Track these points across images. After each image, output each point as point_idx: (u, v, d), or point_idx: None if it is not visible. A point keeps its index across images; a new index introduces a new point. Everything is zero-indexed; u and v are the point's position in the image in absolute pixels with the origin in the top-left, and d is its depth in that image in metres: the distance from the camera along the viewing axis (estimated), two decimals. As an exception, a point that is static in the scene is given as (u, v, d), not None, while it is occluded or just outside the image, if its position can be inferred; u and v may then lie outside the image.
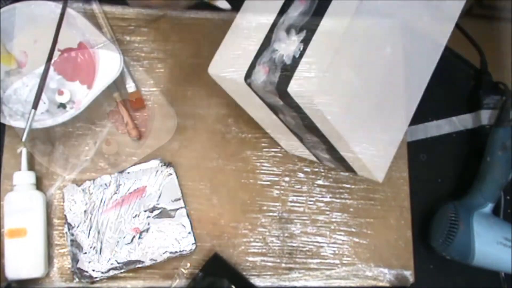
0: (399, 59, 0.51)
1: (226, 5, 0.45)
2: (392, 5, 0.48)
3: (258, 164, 0.68)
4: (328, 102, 0.45)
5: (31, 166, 0.63)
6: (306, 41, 0.46)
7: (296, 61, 0.46)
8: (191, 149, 0.67)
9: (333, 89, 0.45)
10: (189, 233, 0.63)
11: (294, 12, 0.49)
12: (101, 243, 0.62)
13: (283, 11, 0.50)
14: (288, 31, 0.48)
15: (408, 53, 0.52)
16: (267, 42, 0.50)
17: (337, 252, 0.67)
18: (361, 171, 0.58)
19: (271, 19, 0.50)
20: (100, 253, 0.61)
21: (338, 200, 0.68)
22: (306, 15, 0.47)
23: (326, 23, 0.46)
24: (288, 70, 0.46)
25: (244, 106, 0.60)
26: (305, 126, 0.53)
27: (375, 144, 0.53)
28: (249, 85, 0.50)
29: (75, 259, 0.61)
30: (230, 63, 0.52)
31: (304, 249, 0.66)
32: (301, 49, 0.46)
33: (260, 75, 0.48)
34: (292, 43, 0.47)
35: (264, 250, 0.65)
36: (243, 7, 0.55)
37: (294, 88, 0.45)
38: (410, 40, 0.52)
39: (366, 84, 0.49)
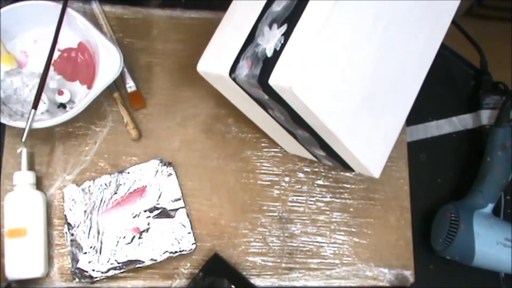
0: (388, 50, 0.51)
1: None
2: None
3: (258, 164, 0.68)
4: (311, 94, 0.46)
5: (31, 166, 0.63)
6: (287, 34, 0.47)
7: (277, 53, 0.46)
8: (191, 149, 0.67)
9: (315, 80, 0.45)
10: (189, 233, 0.63)
11: (278, 7, 0.49)
12: (101, 243, 0.62)
13: (267, 7, 0.50)
14: (270, 25, 0.49)
15: (400, 46, 0.52)
16: (251, 37, 0.50)
17: (337, 252, 0.67)
18: (357, 168, 0.58)
19: (256, 15, 0.51)
20: (100, 253, 0.61)
21: (338, 200, 0.68)
22: (288, 9, 0.48)
23: (307, 16, 0.46)
24: (269, 62, 0.47)
25: (236, 103, 0.60)
26: (294, 121, 0.53)
27: (369, 139, 0.53)
28: (234, 79, 0.50)
29: (75, 259, 0.61)
30: (216, 59, 0.53)
31: (304, 249, 0.66)
32: (282, 42, 0.47)
33: (244, 69, 0.49)
34: (273, 37, 0.48)
35: (264, 250, 0.66)
36: (231, 6, 0.55)
37: (274, 80, 0.46)
38: (403, 34, 0.52)
39: (353, 77, 0.49)
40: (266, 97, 0.50)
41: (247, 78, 0.48)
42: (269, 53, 0.47)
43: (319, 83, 0.46)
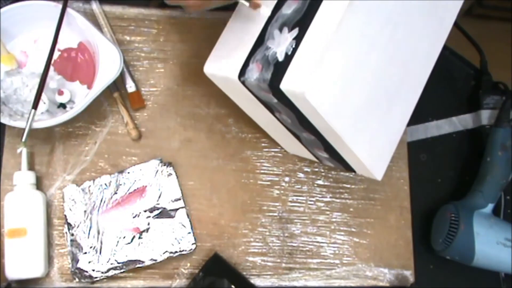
0: (394, 54, 0.51)
1: (246, 3, 0.49)
2: (388, 3, 0.48)
3: (258, 164, 0.68)
4: (322, 99, 0.45)
5: (31, 166, 0.63)
6: (298, 38, 0.46)
7: (288, 58, 0.46)
8: (191, 149, 0.67)
9: (326, 86, 0.45)
10: (189, 233, 0.63)
11: (288, 10, 0.49)
12: (101, 243, 0.62)
13: (276, 9, 0.50)
14: (281, 28, 0.49)
15: (405, 50, 0.52)
16: (260, 40, 0.50)
17: (337, 252, 0.67)
18: (359, 170, 0.58)
19: (265, 17, 0.51)
20: (100, 253, 0.61)
21: (338, 200, 0.68)
22: (299, 13, 0.48)
23: (319, 20, 0.46)
24: (280, 67, 0.46)
25: (241, 105, 0.60)
26: (301, 124, 0.53)
27: (373, 142, 0.53)
28: (243, 83, 0.50)
29: (75, 259, 0.61)
30: (224, 61, 0.52)
31: (304, 249, 0.66)
32: (294, 46, 0.46)
33: (254, 72, 0.49)
34: (285, 41, 0.47)
35: (264, 250, 0.66)
36: (238, 6, 0.55)
37: (286, 85, 0.46)
38: (407, 37, 0.52)
39: (361, 81, 0.49)
40: (275, 100, 0.50)
41: (258, 82, 0.48)
42: (280, 57, 0.47)
43: (330, 88, 0.46)
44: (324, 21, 0.45)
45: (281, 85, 0.46)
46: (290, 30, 0.47)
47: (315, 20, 0.46)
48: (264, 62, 0.48)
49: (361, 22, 0.46)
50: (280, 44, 0.48)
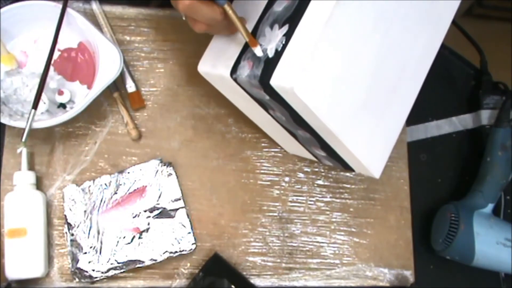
0: (389, 51, 0.51)
1: (259, 53, 0.49)
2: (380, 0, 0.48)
3: (258, 164, 0.68)
4: (312, 94, 0.45)
5: (31, 166, 0.63)
6: (288, 35, 0.46)
7: (278, 54, 0.46)
8: (191, 149, 0.67)
9: (317, 81, 0.45)
10: (189, 233, 0.63)
11: (279, 8, 0.49)
12: (101, 243, 0.62)
13: (268, 7, 0.50)
14: (272, 26, 0.49)
15: (401, 47, 0.52)
16: None
17: (337, 252, 0.67)
18: (358, 168, 0.58)
19: (256, 15, 0.51)
20: (100, 253, 0.61)
21: (338, 200, 0.68)
22: (289, 10, 0.48)
23: (308, 17, 0.46)
24: (270, 63, 0.47)
25: (237, 104, 0.60)
26: (295, 122, 0.53)
27: (370, 139, 0.53)
28: (235, 80, 0.50)
29: (75, 259, 0.61)
30: (217, 60, 0.53)
31: (304, 249, 0.66)
32: (284, 42, 0.46)
33: (245, 69, 0.49)
34: (275, 37, 0.48)
35: (264, 250, 0.66)
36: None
37: (276, 80, 0.46)
38: (405, 34, 0.52)
39: (355, 77, 0.49)
40: (267, 97, 0.50)
41: (249, 79, 0.48)
42: (271, 54, 0.47)
43: (321, 83, 0.46)
44: (314, 17, 0.45)
45: (271, 80, 0.46)
46: (281, 26, 0.48)
47: (305, 16, 0.46)
48: (255, 59, 0.48)
49: (352, 18, 0.46)
50: (270, 41, 0.48)
